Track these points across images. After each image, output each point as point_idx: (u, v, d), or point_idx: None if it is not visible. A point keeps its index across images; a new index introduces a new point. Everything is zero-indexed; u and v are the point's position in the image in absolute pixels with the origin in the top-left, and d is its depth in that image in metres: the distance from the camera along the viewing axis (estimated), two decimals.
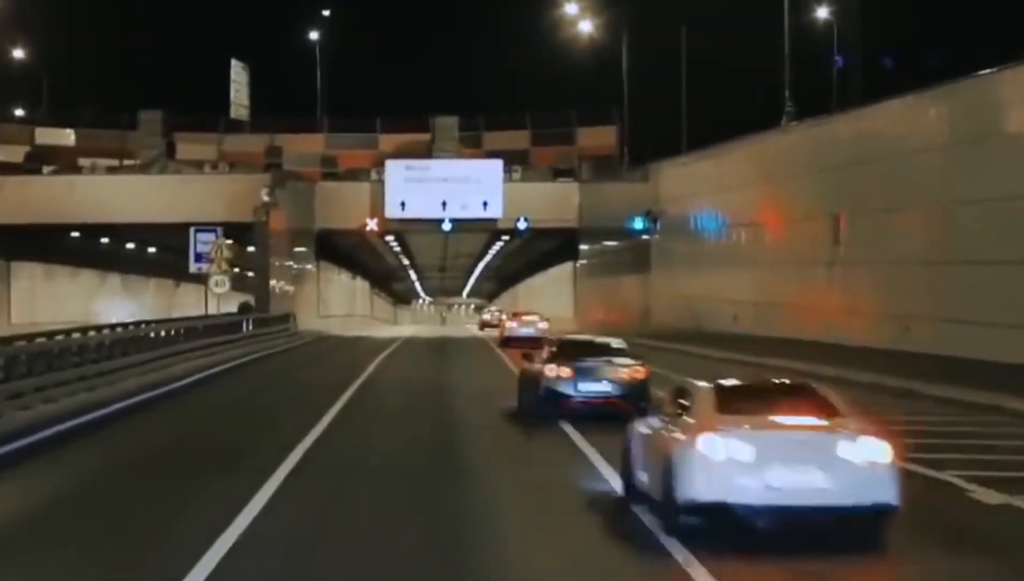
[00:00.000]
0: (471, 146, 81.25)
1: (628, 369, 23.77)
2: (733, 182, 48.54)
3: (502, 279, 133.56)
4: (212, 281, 46.14)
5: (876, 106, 39.49)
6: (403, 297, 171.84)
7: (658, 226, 57.68)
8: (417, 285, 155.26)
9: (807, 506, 12.44)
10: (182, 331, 42.40)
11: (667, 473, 12.88)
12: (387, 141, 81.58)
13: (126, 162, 76.43)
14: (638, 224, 65.77)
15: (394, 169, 73.10)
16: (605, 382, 23.74)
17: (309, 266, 73.37)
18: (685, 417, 13.41)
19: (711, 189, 51.48)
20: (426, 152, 77.46)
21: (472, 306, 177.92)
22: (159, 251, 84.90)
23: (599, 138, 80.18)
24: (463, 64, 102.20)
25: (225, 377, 36.47)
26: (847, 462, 12.42)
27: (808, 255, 42.08)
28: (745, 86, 63.54)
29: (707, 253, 51.63)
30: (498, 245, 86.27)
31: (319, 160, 77.48)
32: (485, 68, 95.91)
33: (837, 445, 12.45)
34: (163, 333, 41.09)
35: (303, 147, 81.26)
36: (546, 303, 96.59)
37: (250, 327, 55.77)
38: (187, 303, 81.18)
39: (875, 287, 37.64)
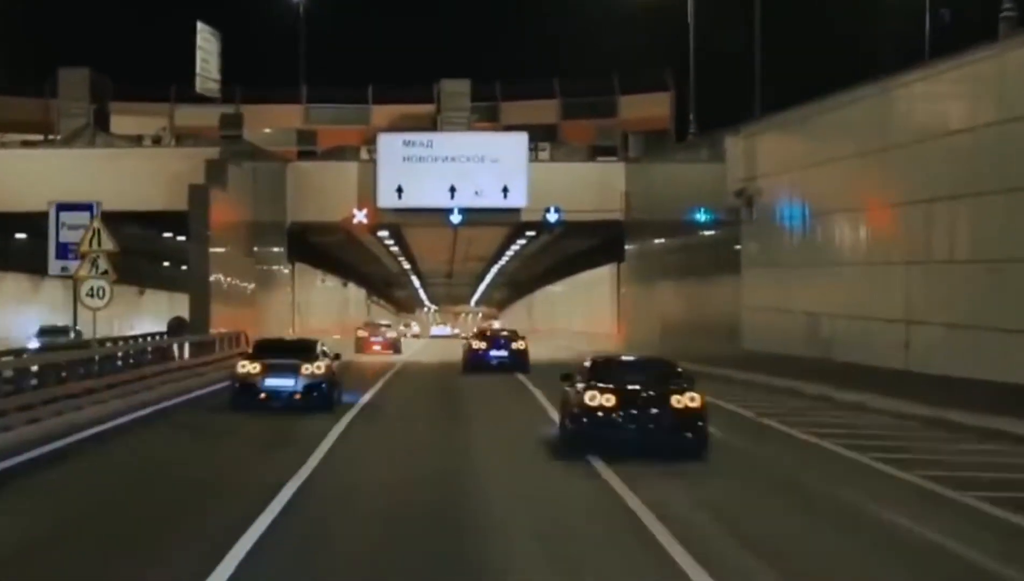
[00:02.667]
0: (486, 120, 65.28)
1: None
2: (899, 137, 32.21)
3: (516, 286, 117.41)
4: (83, 289, 29.92)
5: None
6: (406, 306, 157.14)
7: (753, 213, 41.49)
8: (421, 292, 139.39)
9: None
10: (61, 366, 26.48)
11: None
12: (381, 114, 65.73)
13: (51, 137, 60.40)
14: (702, 215, 49.83)
15: (388, 144, 57.25)
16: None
17: (279, 268, 57.35)
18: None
19: (852, 151, 35.17)
20: (430, 126, 61.46)
21: (480, 315, 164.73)
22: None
23: (648, 108, 64.27)
24: (474, 25, 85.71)
25: (52, 469, 20.21)
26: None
27: None
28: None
29: (838, 248, 35.45)
30: (518, 244, 70.16)
31: (294, 137, 61.52)
32: (502, 29, 79.27)
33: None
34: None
35: (276, 120, 65.38)
36: (575, 314, 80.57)
37: (185, 354, 39.91)
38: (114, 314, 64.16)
39: None
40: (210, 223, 43.26)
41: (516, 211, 57.65)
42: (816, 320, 36.18)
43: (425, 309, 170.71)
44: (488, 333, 48.66)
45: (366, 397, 32.72)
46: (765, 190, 41.07)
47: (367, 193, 56.90)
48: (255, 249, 51.78)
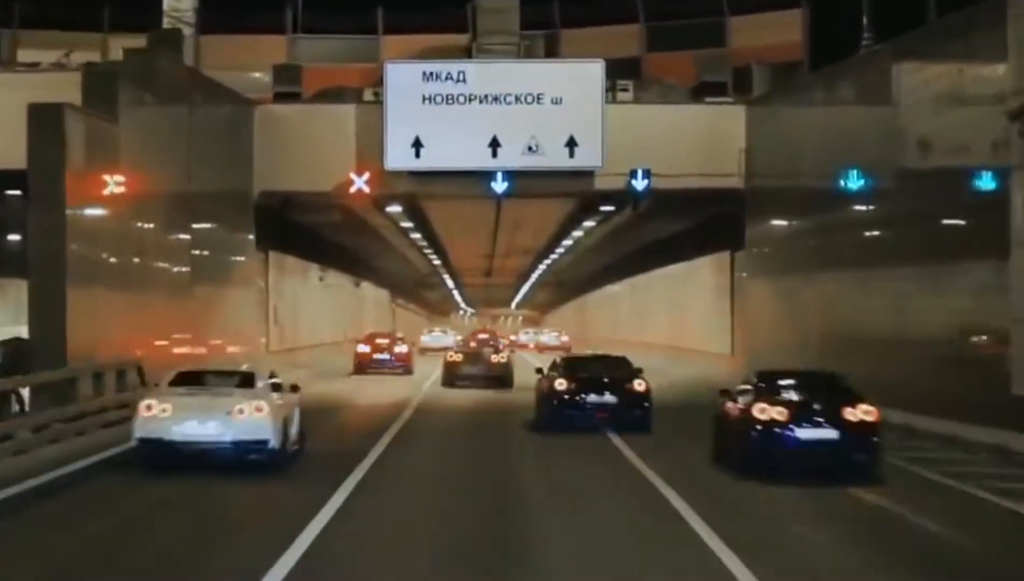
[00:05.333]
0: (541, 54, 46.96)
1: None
2: None
3: (565, 286, 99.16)
4: None
5: None
6: (440, 309, 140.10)
7: None
8: (455, 293, 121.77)
9: None
10: None
11: None
12: (394, 47, 47.46)
13: None
14: (853, 181, 31.87)
15: (401, 78, 39.20)
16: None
17: (240, 259, 39.35)
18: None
19: None
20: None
21: (520, 318, 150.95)
22: None
23: (770, 32, 45.71)
24: None
25: None
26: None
27: None
28: None
29: None
30: (584, 226, 51.46)
31: (270, 75, 43.25)
32: None
33: None
34: None
35: (250, 55, 47.29)
36: (651, 322, 62.15)
37: (22, 404, 22.30)
38: None
39: None
40: (68, 164, 25.10)
41: (587, 175, 39.50)
42: None
43: (461, 313, 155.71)
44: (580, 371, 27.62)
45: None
46: None
47: (371, 150, 38.93)
48: (192, 226, 33.69)
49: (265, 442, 19.04)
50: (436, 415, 29.47)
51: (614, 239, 56.22)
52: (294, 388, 21.65)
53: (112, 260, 27.49)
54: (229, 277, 37.60)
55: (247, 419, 19.10)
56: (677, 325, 53.72)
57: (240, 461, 18.90)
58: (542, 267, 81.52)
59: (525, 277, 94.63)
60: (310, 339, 51.47)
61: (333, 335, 58.34)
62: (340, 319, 62.17)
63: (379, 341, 48.06)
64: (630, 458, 21.61)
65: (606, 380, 26.44)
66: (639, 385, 26.47)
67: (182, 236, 33.03)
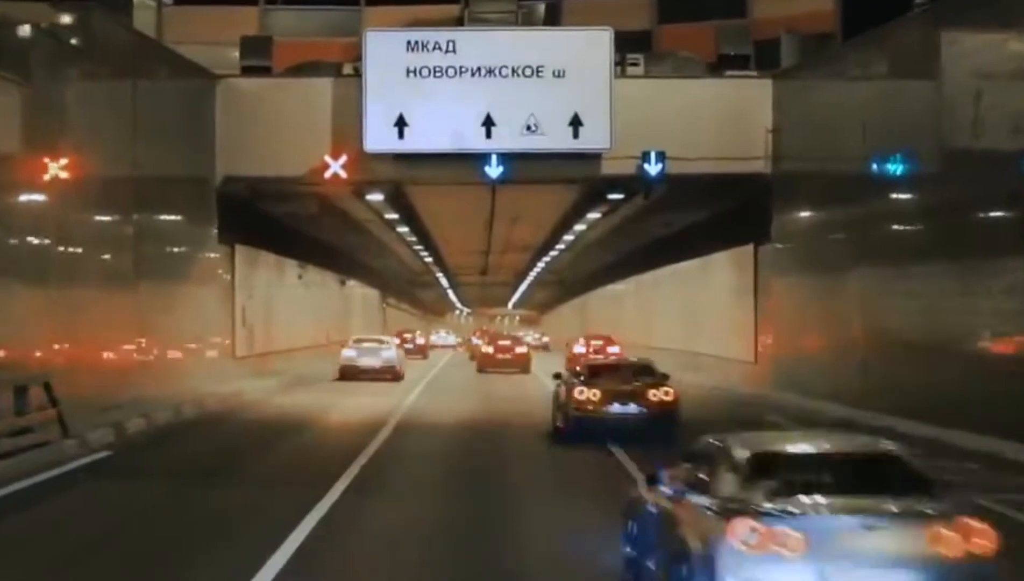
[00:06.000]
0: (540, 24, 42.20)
1: None
2: None
3: (566, 284, 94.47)
4: None
5: None
6: (435, 309, 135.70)
7: None
8: (451, 293, 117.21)
9: None
10: None
11: None
12: (377, 18, 42.82)
13: None
14: (894, 165, 27.47)
15: (382, 48, 34.50)
16: None
17: (201, 253, 34.69)
18: None
19: None
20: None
21: (517, 319, 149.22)
22: None
23: (798, 1, 41.02)
24: None
25: None
26: None
27: None
28: None
29: None
30: (588, 218, 46.68)
31: (237, 49, 38.52)
32: None
33: None
34: None
35: (225, 28, 42.63)
36: (660, 324, 57.44)
37: None
38: None
39: None
40: None
41: (593, 158, 34.87)
42: None
43: (457, 313, 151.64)
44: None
45: None
46: None
47: (348, 130, 34.31)
48: (137, 214, 29.00)
49: None
50: (420, 436, 24.81)
51: (621, 233, 51.51)
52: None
53: (12, 242, 22.70)
54: (185, 272, 32.94)
55: None
56: (689, 327, 49.03)
57: None
58: (541, 265, 76.84)
59: (523, 276, 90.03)
60: (287, 343, 46.80)
61: (315, 338, 53.70)
62: (323, 320, 57.47)
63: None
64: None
65: (630, 388, 23.07)
66: (667, 394, 22.92)
67: (124, 224, 28.36)
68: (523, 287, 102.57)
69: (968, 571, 8.67)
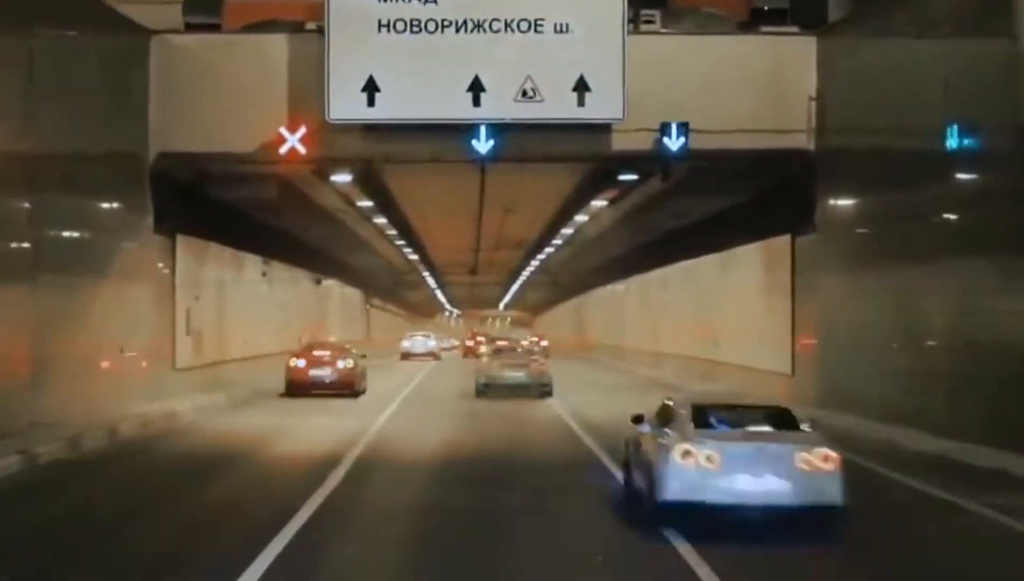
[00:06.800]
0: None
1: None
2: None
3: (561, 285, 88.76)
4: None
5: None
6: (423, 310, 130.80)
7: None
8: (439, 293, 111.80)
9: None
10: None
11: None
12: None
13: None
14: (953, 139, 21.89)
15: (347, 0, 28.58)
16: None
17: (138, 246, 28.74)
18: None
19: None
20: None
21: (508, 320, 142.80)
22: None
23: None
24: None
25: None
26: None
27: None
28: None
29: None
30: (594, 205, 40.33)
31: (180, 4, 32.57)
32: None
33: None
34: None
35: None
36: (668, 327, 51.52)
37: None
38: None
39: None
40: None
41: (603, 130, 28.96)
42: None
43: (446, 314, 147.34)
44: None
45: None
46: None
47: (308, 96, 28.47)
48: (34, 194, 23.02)
49: None
50: (385, 480, 18.89)
51: (627, 225, 45.55)
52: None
53: None
54: (105, 266, 26.92)
55: None
56: (705, 332, 43.09)
57: None
58: (535, 263, 71.05)
59: (515, 275, 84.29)
60: (246, 349, 40.84)
61: (283, 343, 47.76)
62: (293, 324, 51.52)
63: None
64: None
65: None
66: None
67: (13, 205, 22.42)
68: (515, 287, 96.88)
69: (817, 479, 13.31)
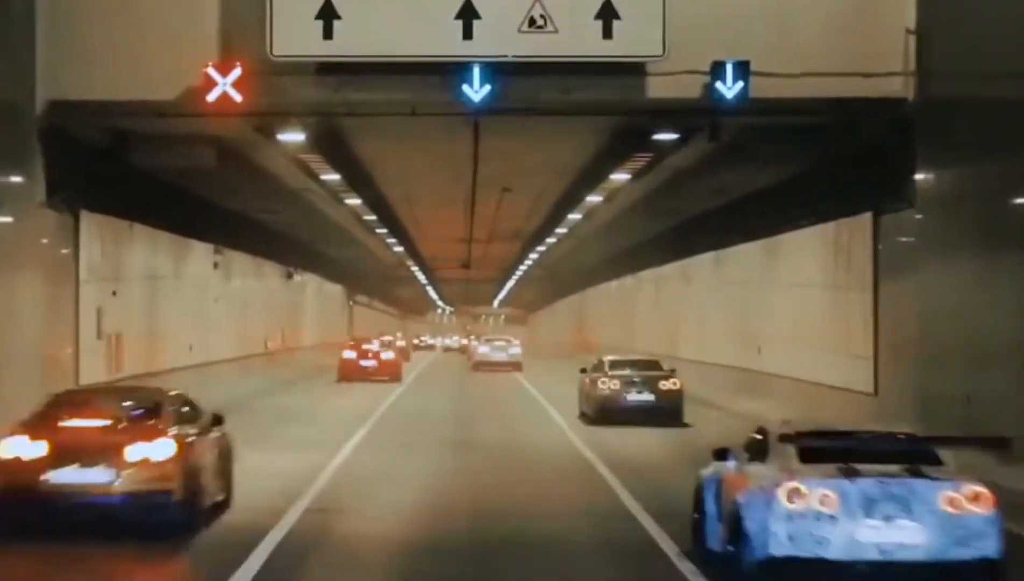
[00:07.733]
0: None
1: None
2: None
3: (558, 279, 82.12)
4: None
5: None
6: (415, 308, 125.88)
7: None
8: (430, 290, 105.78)
9: None
10: None
11: None
12: None
13: None
14: None
15: None
16: None
17: (18, 222, 21.63)
18: None
19: None
20: None
21: (503, 318, 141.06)
22: None
23: None
24: None
25: None
26: None
27: None
28: None
29: None
30: (620, 174, 32.24)
31: None
32: None
33: None
34: None
35: None
36: (697, 333, 44.40)
37: None
38: None
39: None
40: None
41: (635, 72, 21.91)
42: None
43: (438, 311, 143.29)
44: None
45: None
46: None
47: (245, 27, 21.46)
48: None
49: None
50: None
51: (647, 207, 38.33)
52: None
53: None
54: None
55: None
56: (742, 335, 35.97)
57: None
58: (534, 256, 64.23)
59: (511, 270, 77.51)
60: (188, 356, 33.74)
61: (241, 348, 40.76)
62: (256, 324, 44.47)
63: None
64: None
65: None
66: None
67: None
68: (510, 284, 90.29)
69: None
